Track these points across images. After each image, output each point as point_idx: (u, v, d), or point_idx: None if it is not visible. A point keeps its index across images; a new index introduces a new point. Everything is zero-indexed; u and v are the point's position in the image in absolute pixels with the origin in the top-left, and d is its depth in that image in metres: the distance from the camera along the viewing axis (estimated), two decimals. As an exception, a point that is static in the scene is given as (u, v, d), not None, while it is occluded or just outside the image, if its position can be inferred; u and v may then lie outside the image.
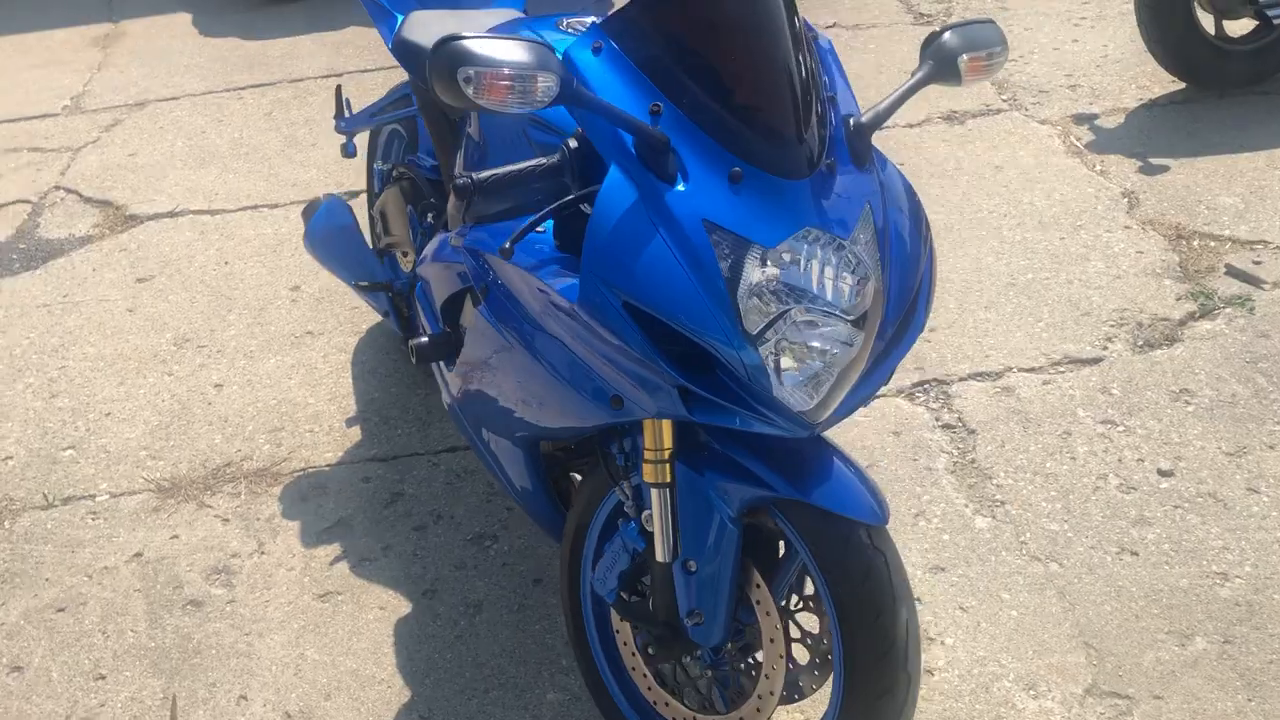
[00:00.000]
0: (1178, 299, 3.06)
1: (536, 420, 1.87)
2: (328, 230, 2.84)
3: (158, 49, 5.49)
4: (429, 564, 2.47)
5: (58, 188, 4.21)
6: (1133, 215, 3.44)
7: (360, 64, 5.10)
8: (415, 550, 2.50)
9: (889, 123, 1.73)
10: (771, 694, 1.78)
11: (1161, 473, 2.52)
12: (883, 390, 2.38)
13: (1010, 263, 3.28)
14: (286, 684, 2.21)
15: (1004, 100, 4.18)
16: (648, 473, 1.71)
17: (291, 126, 4.56)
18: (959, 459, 2.61)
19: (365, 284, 2.78)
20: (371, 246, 2.86)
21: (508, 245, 1.57)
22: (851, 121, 1.63)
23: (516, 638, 2.28)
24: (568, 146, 1.65)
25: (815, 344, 1.51)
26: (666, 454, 1.70)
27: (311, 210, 2.88)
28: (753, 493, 1.66)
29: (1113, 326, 2.99)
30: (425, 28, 2.38)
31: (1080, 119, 4.00)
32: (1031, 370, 2.86)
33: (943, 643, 2.18)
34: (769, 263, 1.48)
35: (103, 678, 2.26)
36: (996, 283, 3.20)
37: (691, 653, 1.82)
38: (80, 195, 4.14)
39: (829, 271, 1.51)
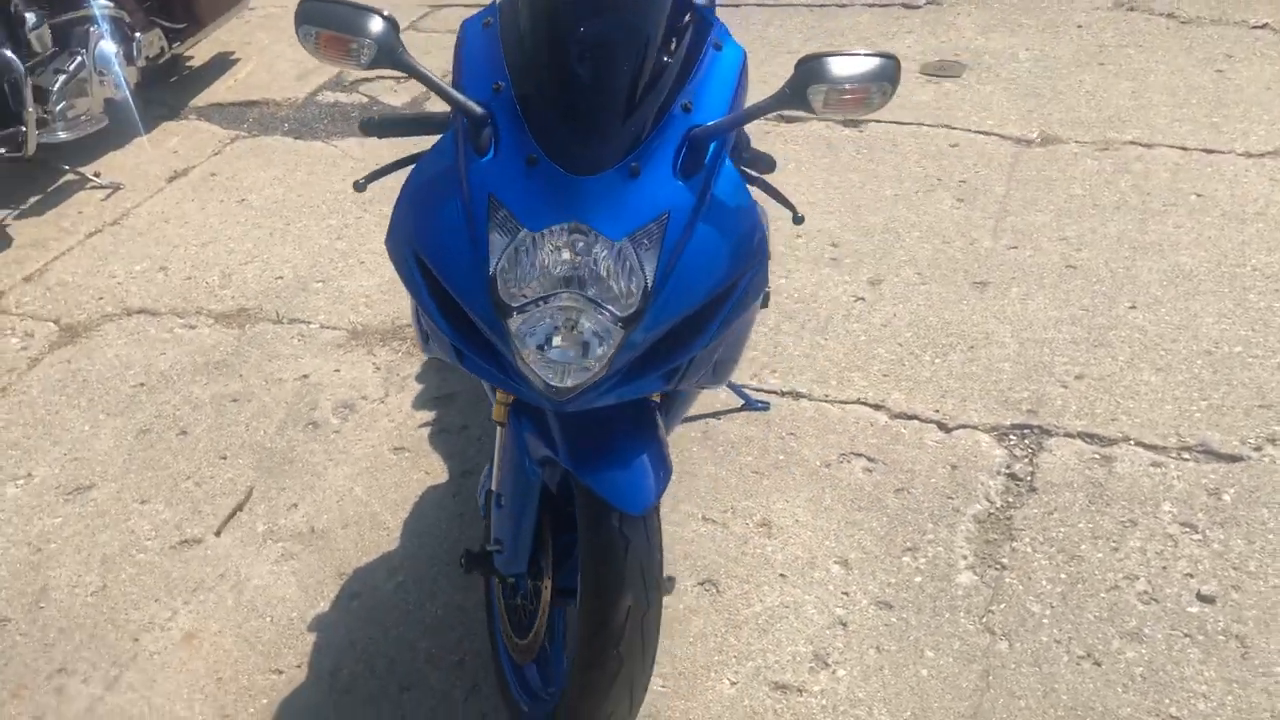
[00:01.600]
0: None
1: None
2: None
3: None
4: (483, 450, 2.81)
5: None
6: None
7: (756, -1, 5.33)
8: (482, 435, 2.85)
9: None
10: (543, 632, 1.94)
11: (1201, 597, 2.21)
12: (977, 421, 2.36)
13: (1228, 330, 2.87)
14: (326, 507, 2.69)
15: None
16: (495, 412, 1.91)
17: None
18: (995, 512, 2.45)
19: None
20: None
21: (361, 180, 1.82)
22: (691, 134, 1.67)
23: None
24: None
25: (561, 328, 1.62)
26: (512, 399, 1.88)
27: None
28: (545, 452, 1.81)
29: (1288, 429, 2.57)
30: None
31: None
32: (1151, 448, 2.56)
33: (834, 672, 2.16)
34: (528, 245, 1.60)
35: (224, 458, 2.88)
36: (1193, 347, 2.83)
37: (496, 577, 2.01)
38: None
39: (583, 262, 1.59)
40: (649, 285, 1.61)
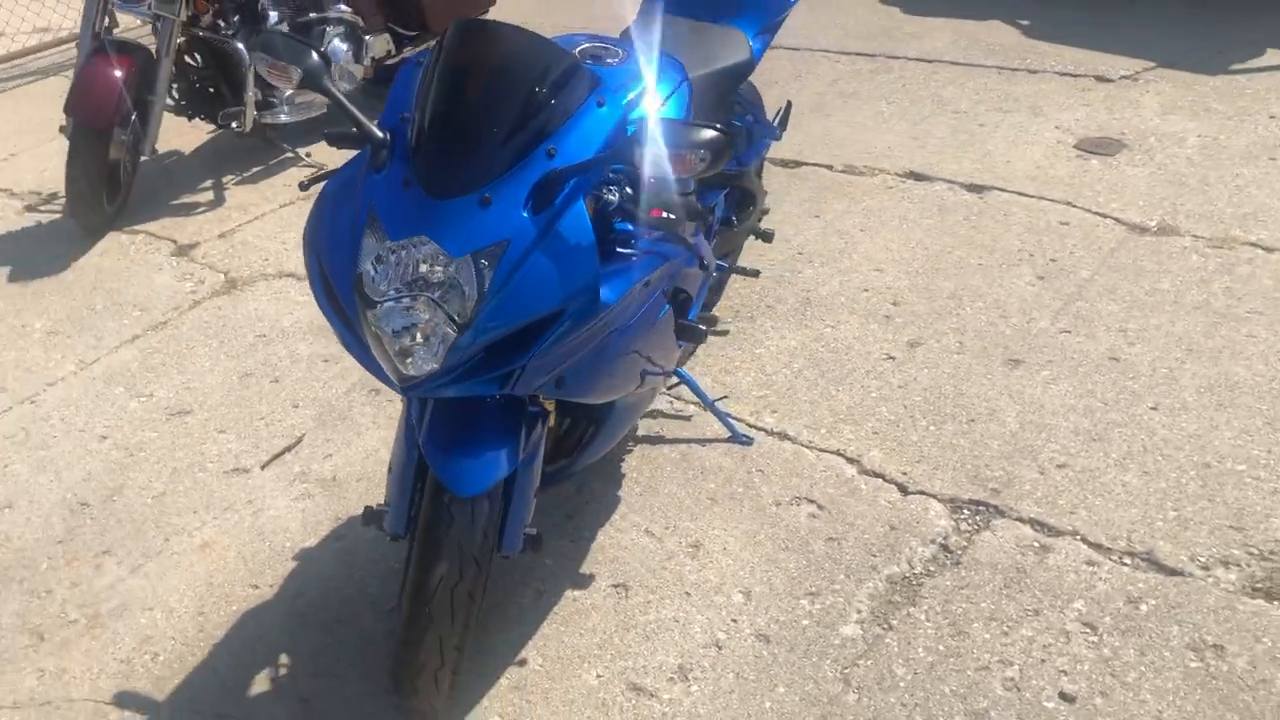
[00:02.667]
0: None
1: None
2: None
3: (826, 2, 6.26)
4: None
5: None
6: None
7: (969, 58, 5.36)
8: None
9: None
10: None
11: (1063, 695, 2.21)
12: (937, 490, 2.68)
13: (1240, 448, 2.77)
14: (352, 461, 3.09)
15: None
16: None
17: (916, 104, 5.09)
18: (910, 577, 2.53)
19: None
20: None
21: (305, 180, 2.18)
22: (547, 175, 1.92)
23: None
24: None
25: (403, 328, 1.91)
26: None
27: None
28: (415, 417, 2.12)
29: (1248, 554, 2.47)
30: None
31: None
32: (1095, 546, 2.54)
33: (689, 686, 2.33)
34: (383, 252, 1.91)
35: (296, 407, 3.36)
36: (1194, 458, 2.75)
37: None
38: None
39: (427, 270, 1.88)
40: (479, 298, 1.87)
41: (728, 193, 3.17)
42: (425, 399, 2.11)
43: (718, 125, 1.86)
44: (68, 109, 4.20)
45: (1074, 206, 3.94)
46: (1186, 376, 3.04)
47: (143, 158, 4.52)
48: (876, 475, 2.82)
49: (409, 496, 2.19)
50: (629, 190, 2.07)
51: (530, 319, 1.91)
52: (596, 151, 1.97)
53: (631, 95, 2.24)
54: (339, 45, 5.08)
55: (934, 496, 2.73)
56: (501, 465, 2.05)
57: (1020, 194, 4.07)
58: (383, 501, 2.28)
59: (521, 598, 2.58)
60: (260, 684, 2.44)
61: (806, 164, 4.47)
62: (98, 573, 2.79)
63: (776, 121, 3.22)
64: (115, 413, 3.39)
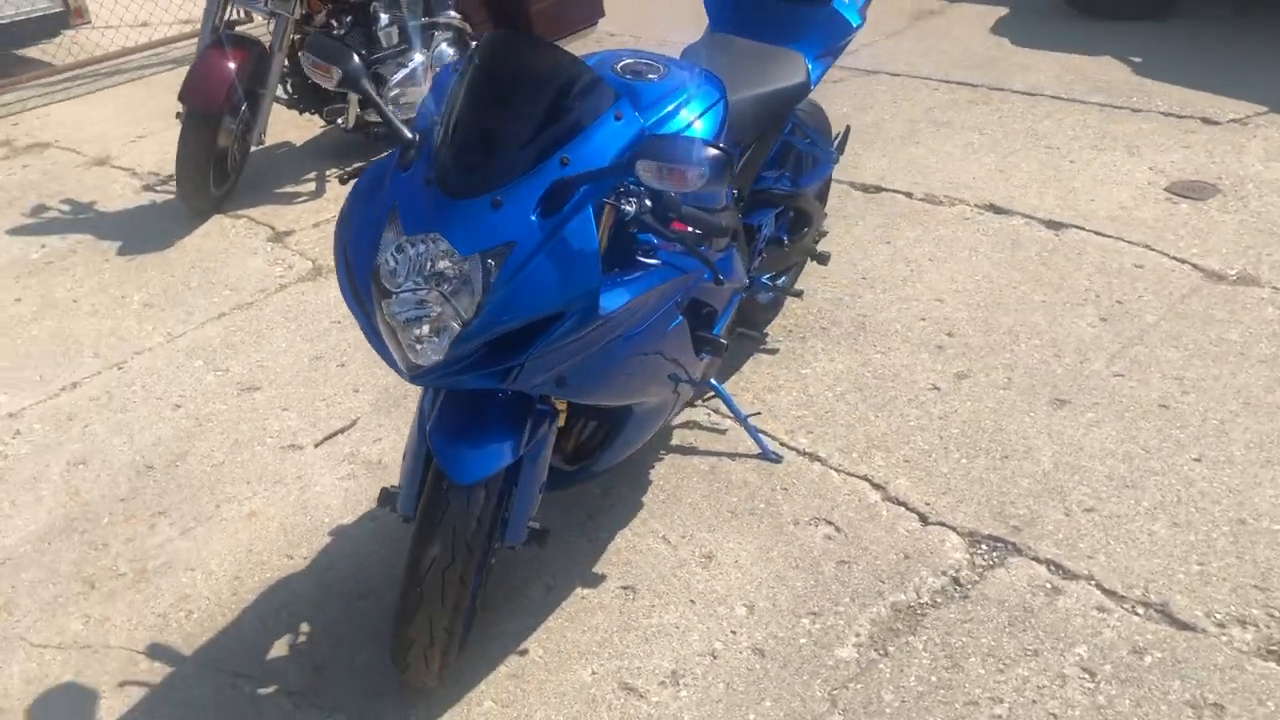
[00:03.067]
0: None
1: None
2: None
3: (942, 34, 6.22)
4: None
5: None
6: None
7: (1072, 93, 5.28)
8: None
9: None
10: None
11: (1048, 737, 2.19)
12: (957, 523, 2.71)
13: (1280, 506, 2.69)
14: (397, 446, 3.21)
15: None
16: (424, 387, 2.35)
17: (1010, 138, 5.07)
18: (914, 606, 2.53)
19: None
20: None
21: (343, 174, 2.31)
22: (557, 182, 2.00)
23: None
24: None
25: (414, 319, 2.01)
26: None
27: None
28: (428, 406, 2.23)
29: (1268, 615, 2.40)
30: None
31: None
32: (1109, 592, 2.50)
33: (678, 692, 2.38)
34: (401, 244, 2.02)
35: (356, 391, 3.51)
36: (1229, 513, 2.68)
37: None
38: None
39: (437, 266, 1.97)
40: (484, 295, 1.97)
41: (780, 212, 3.20)
42: (438, 390, 2.22)
43: (720, 144, 1.92)
44: (181, 96, 4.46)
45: (1152, 250, 3.86)
46: (1238, 430, 2.95)
47: (252, 147, 4.77)
48: (899, 503, 2.82)
49: (419, 480, 2.29)
50: (648, 202, 2.13)
51: (531, 318, 1.99)
52: (612, 161, 2.04)
53: (663, 110, 2.31)
54: (446, 49, 5.27)
55: (953, 529, 2.72)
56: (502, 457, 2.13)
57: (1098, 233, 3.99)
58: (397, 484, 2.39)
59: (532, 590, 2.66)
60: (280, 648, 2.58)
61: (887, 190, 4.47)
62: (151, 532, 2.98)
63: (835, 145, 3.24)
64: (192, 384, 3.60)
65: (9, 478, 3.22)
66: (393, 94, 5.13)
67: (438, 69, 5.26)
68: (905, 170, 4.62)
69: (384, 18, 5.02)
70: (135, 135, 5.73)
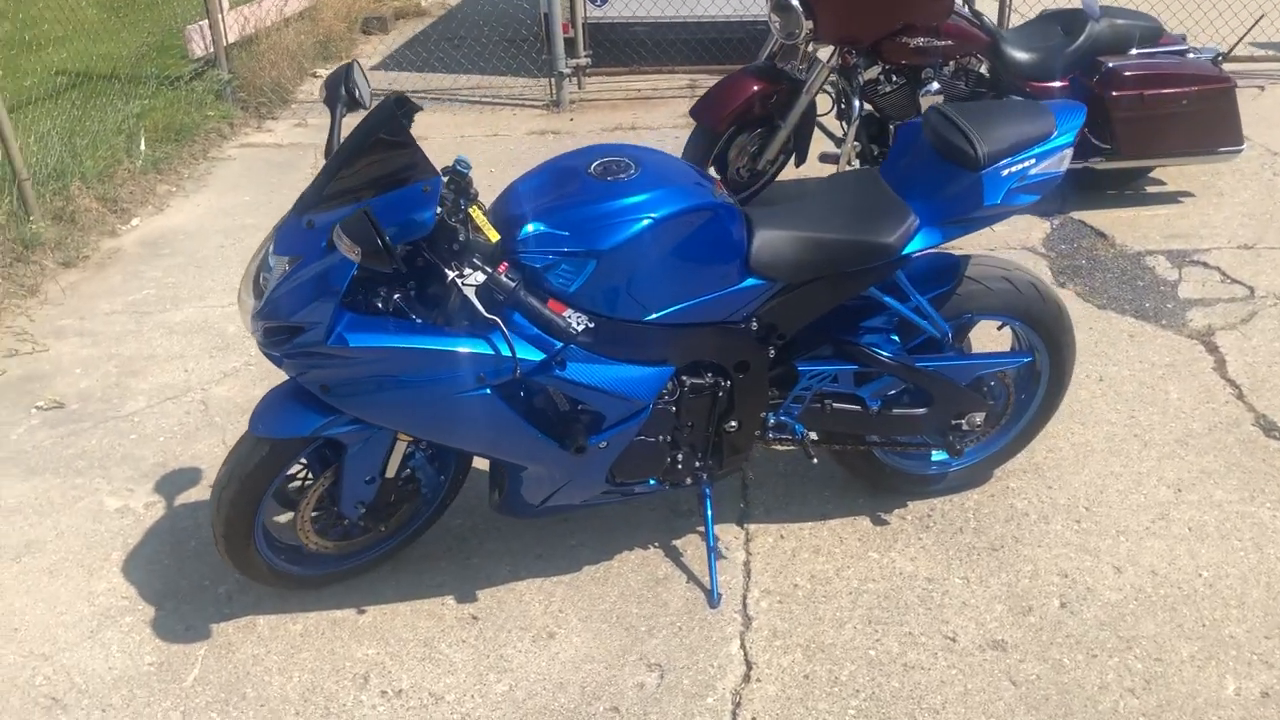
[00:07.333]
0: None
1: None
2: None
3: None
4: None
5: None
6: None
7: None
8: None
9: None
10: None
11: None
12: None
13: None
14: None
15: None
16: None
17: None
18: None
19: None
20: None
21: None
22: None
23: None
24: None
25: (250, 291, 2.50)
26: None
27: None
28: None
29: None
30: None
31: None
32: None
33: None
34: (264, 246, 2.51)
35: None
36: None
37: None
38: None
39: (265, 257, 2.45)
40: (269, 290, 2.40)
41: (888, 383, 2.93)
42: None
43: (385, 239, 2.13)
44: (691, 112, 5.06)
45: None
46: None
47: (757, 168, 5.20)
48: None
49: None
50: (481, 276, 2.31)
51: (281, 322, 2.39)
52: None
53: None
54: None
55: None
56: (288, 430, 2.59)
57: None
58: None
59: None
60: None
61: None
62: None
63: (954, 332, 2.82)
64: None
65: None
66: (844, 148, 5.14)
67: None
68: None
69: (934, 85, 5.04)
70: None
